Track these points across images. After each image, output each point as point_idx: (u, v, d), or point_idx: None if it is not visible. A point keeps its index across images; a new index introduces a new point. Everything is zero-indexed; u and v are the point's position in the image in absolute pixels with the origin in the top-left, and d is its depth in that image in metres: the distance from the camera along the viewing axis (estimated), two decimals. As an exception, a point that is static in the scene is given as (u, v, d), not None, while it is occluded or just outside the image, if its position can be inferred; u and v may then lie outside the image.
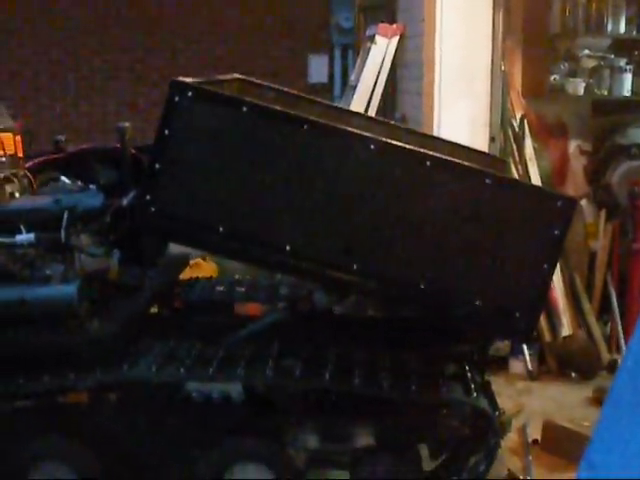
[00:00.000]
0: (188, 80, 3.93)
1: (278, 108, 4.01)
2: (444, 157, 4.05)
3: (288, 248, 3.90)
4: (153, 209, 3.90)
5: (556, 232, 4.01)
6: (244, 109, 3.87)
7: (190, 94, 3.84)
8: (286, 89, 5.11)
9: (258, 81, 5.06)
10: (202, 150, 3.91)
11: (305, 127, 3.88)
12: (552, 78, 7.33)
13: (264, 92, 4.99)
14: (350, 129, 4.03)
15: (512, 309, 4.02)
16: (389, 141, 3.99)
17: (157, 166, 3.88)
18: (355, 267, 3.92)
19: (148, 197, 3.90)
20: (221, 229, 3.90)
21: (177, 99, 3.83)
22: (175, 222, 3.96)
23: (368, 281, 4.00)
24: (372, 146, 3.89)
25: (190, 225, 3.96)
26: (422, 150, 4.04)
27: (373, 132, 4.09)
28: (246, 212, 3.93)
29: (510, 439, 5.12)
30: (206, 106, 3.88)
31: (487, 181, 3.97)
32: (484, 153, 6.04)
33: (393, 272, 3.99)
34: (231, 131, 3.90)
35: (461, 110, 6.83)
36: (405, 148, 3.98)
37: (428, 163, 3.93)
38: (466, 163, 4.12)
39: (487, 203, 3.97)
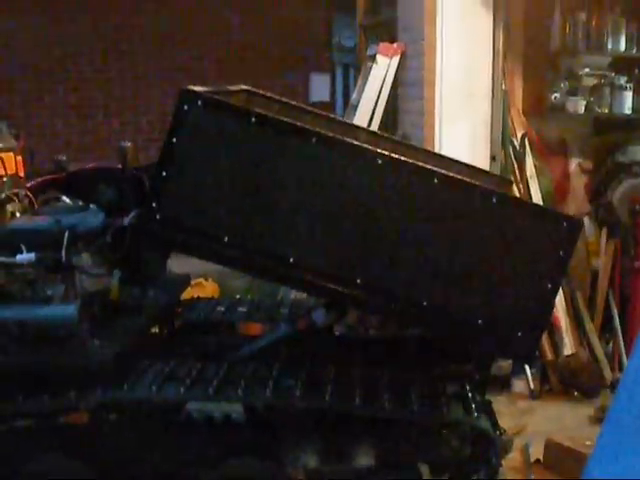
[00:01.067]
0: (197, 89, 3.94)
1: (286, 120, 4.01)
2: (451, 174, 4.05)
3: (292, 260, 3.90)
4: (158, 216, 3.90)
5: (560, 253, 4.01)
6: (252, 120, 3.87)
7: (199, 103, 3.85)
8: (292, 102, 5.11)
9: (265, 93, 5.06)
10: (209, 159, 3.91)
11: (313, 140, 3.88)
12: (553, 96, 7.33)
13: (270, 104, 4.99)
14: (358, 143, 4.03)
15: (514, 329, 4.01)
16: (396, 156, 3.99)
17: (164, 174, 3.89)
18: (358, 281, 3.92)
19: (154, 204, 3.91)
20: (226, 239, 3.89)
21: (186, 108, 3.83)
22: (180, 230, 3.96)
23: (370, 296, 3.99)
24: (379, 161, 3.89)
25: (195, 234, 3.95)
26: (430, 167, 4.04)
27: (379, 148, 4.09)
28: (251, 222, 3.92)
29: (512, 458, 5.10)
30: (215, 115, 3.89)
31: (493, 200, 3.97)
32: (489, 173, 6.05)
33: (396, 288, 3.98)
34: (239, 141, 3.89)
35: (462, 129, 6.85)
36: (413, 164, 3.98)
37: (435, 180, 3.92)
38: (473, 181, 4.13)
39: (493, 222, 3.97)
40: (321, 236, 3.95)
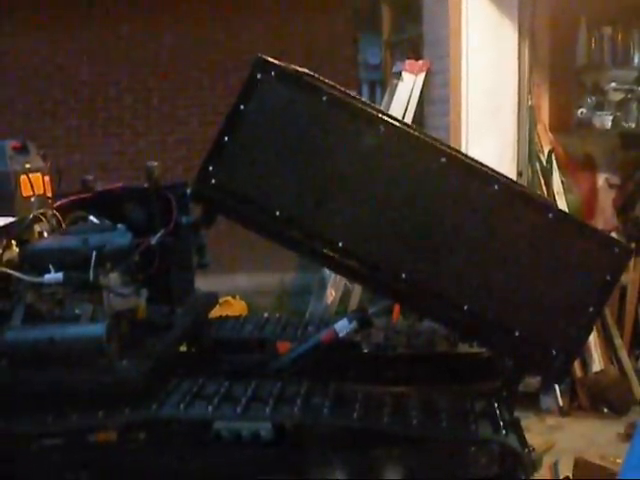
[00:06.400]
0: (273, 60, 3.92)
1: (357, 104, 3.99)
2: (513, 183, 4.03)
3: (341, 244, 3.87)
4: (214, 181, 3.88)
5: (607, 277, 3.99)
6: (323, 99, 3.87)
7: (273, 73, 3.84)
8: (353, 93, 5.03)
9: (327, 80, 4.99)
10: (273, 131, 3.88)
11: (381, 128, 3.87)
12: (579, 112, 7.33)
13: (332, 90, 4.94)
14: (425, 138, 4.01)
15: (550, 346, 3.99)
16: (461, 156, 3.99)
17: (226, 139, 3.86)
18: (403, 276, 3.90)
19: (211, 168, 3.88)
20: (277, 213, 3.87)
21: (259, 76, 3.83)
22: (233, 198, 3.93)
23: (412, 292, 3.98)
24: (443, 159, 3.88)
25: (247, 204, 3.92)
26: (493, 172, 4.03)
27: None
28: (305, 201, 3.90)
29: (541, 476, 5.06)
30: (286, 88, 3.87)
31: (550, 215, 3.96)
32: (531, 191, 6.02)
33: (440, 288, 3.96)
34: (306, 118, 3.89)
35: (488, 145, 6.84)
36: (476, 167, 3.97)
37: (496, 186, 3.92)
38: (533, 193, 4.10)
39: (545, 237, 3.96)
40: (373, 226, 3.92)
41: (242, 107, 3.84)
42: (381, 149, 3.90)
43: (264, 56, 3.87)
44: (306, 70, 4.70)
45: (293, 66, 4.39)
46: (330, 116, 3.87)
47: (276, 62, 3.91)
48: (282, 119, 3.89)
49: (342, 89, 4.62)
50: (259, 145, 3.88)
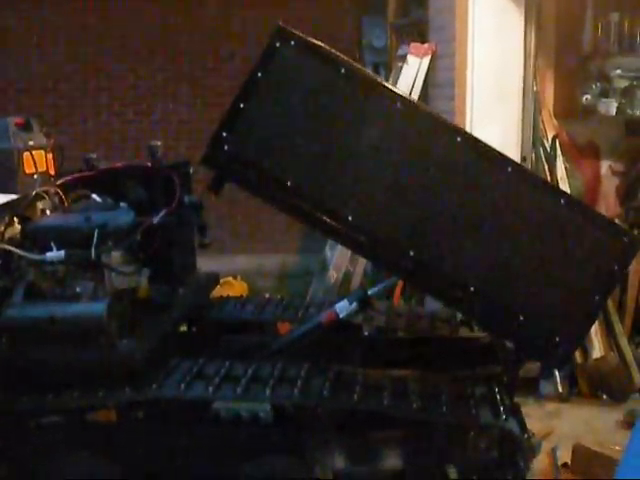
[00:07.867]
0: (292, 29, 3.90)
1: (377, 79, 3.98)
2: (526, 167, 4.01)
3: (350, 218, 3.87)
4: (226, 147, 3.87)
5: (615, 267, 3.98)
6: (341, 71, 3.85)
7: (292, 43, 3.83)
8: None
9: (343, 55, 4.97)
10: (289, 101, 3.87)
11: (398, 104, 3.86)
12: (584, 98, 7.30)
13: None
14: (442, 117, 4.02)
15: (554, 332, 3.98)
16: (478, 138, 3.98)
17: (241, 105, 3.85)
18: (411, 254, 3.90)
19: (224, 134, 3.87)
20: (289, 183, 3.86)
21: (278, 45, 3.82)
22: (245, 166, 3.92)
23: (420, 270, 3.97)
24: (459, 139, 3.88)
25: (259, 172, 3.92)
26: (507, 156, 4.03)
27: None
28: (317, 173, 3.90)
29: (540, 462, 5.08)
30: (305, 59, 3.87)
31: (561, 201, 3.96)
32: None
33: (447, 267, 3.96)
34: (323, 89, 3.87)
35: (492, 129, 6.80)
36: (491, 149, 3.97)
37: (509, 169, 3.92)
38: (545, 178, 4.08)
39: (556, 222, 3.96)
40: (383, 201, 3.92)
41: (259, 75, 3.83)
42: (396, 125, 3.89)
43: (284, 25, 3.85)
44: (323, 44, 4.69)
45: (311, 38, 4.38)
46: (347, 89, 3.86)
47: (295, 32, 3.88)
48: (299, 89, 3.88)
49: (358, 65, 4.60)
50: (274, 114, 3.87)
